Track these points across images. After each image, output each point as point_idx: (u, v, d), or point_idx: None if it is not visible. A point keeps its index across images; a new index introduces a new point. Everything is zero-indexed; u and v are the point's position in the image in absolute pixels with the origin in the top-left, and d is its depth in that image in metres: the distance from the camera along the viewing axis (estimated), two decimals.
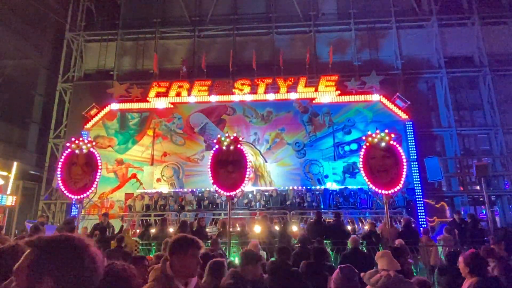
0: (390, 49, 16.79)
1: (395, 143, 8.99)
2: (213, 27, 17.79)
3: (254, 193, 12.68)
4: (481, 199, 14.42)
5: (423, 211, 12.97)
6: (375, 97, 14.22)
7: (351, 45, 16.85)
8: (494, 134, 15.55)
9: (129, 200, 12.39)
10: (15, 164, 14.00)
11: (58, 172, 9.15)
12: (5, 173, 13.61)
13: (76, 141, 9.14)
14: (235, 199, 10.85)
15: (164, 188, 13.91)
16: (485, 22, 16.71)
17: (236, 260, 7.70)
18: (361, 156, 8.98)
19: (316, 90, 14.34)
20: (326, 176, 13.77)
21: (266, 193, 12.50)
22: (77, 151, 9.05)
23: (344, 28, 17.33)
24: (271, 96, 14.43)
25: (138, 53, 17.90)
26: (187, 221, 9.68)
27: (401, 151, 9.02)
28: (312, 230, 8.77)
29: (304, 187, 13.20)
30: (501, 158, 15.15)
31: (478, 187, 14.67)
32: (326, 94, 14.29)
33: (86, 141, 9.25)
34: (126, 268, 1.57)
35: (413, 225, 9.66)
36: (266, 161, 14.18)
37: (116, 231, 9.86)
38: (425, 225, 12.45)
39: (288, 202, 12.08)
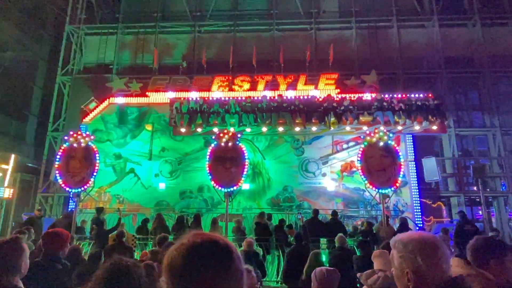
0: (390, 48, 16.75)
1: (393, 143, 9.03)
2: (214, 23, 17.73)
3: None
4: (478, 200, 14.48)
5: (419, 210, 13.02)
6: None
7: (351, 44, 16.82)
8: (492, 135, 15.59)
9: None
10: (12, 156, 13.99)
11: (56, 166, 9.16)
12: (3, 166, 13.60)
13: (75, 135, 9.15)
14: None
15: (162, 184, 13.93)
16: (486, 23, 16.70)
17: None
18: (359, 155, 9.02)
19: (315, 88, 14.32)
20: (324, 175, 13.81)
21: None
22: (75, 145, 9.07)
23: (345, 26, 17.30)
24: (270, 93, 14.40)
25: (138, 47, 17.84)
26: (184, 216, 9.73)
27: (399, 150, 9.07)
28: (308, 228, 8.80)
29: None
30: (499, 160, 15.20)
31: (475, 188, 14.73)
32: (325, 92, 14.25)
33: (84, 135, 9.26)
34: (132, 264, 1.52)
35: (409, 225, 9.70)
36: (264, 158, 14.17)
37: (109, 226, 9.80)
38: (421, 225, 12.51)
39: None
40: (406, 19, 17.09)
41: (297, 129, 12.56)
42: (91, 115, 14.78)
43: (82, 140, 9.10)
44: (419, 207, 13.07)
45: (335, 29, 17.42)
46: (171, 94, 14.57)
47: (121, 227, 9.22)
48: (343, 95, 13.28)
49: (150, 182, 14.11)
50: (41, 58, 19.26)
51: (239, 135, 9.32)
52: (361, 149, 9.04)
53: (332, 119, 12.35)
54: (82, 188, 9.07)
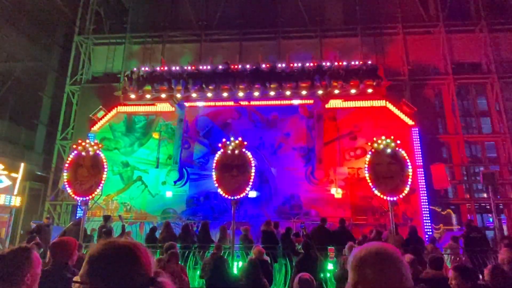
0: (396, 55, 16.74)
1: (400, 150, 8.96)
2: (220, 32, 17.91)
3: None
4: (488, 207, 14.25)
5: (429, 218, 12.84)
6: (381, 103, 14.15)
7: (357, 51, 16.83)
8: (502, 142, 15.39)
9: None
10: (22, 165, 14.14)
11: (65, 174, 9.25)
12: (12, 174, 13.75)
13: (83, 143, 9.25)
14: None
15: (169, 192, 13.94)
16: (493, 28, 16.61)
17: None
18: (367, 162, 8.96)
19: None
20: (331, 182, 13.70)
21: None
22: (83, 153, 9.15)
23: (351, 34, 17.34)
24: (276, 101, 14.42)
25: (146, 56, 18.06)
26: (189, 224, 9.72)
27: (406, 157, 8.98)
28: (316, 236, 8.72)
29: None
30: (509, 166, 14.98)
31: (485, 195, 14.50)
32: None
33: (92, 143, 9.34)
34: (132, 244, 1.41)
35: (418, 233, 9.55)
36: (271, 166, 14.15)
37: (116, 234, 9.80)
38: (430, 233, 12.32)
39: None
40: (412, 26, 17.07)
41: (241, 94, 13.17)
42: (99, 124, 14.94)
43: (90, 149, 9.18)
44: (428, 215, 12.89)
45: (340, 36, 17.47)
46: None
47: (126, 235, 9.25)
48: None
49: (157, 190, 14.14)
50: (50, 68, 19.60)
51: (245, 143, 9.30)
52: (369, 156, 8.98)
53: (273, 84, 12.90)
54: (90, 196, 9.13)
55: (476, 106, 16.66)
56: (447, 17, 16.86)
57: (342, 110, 14.34)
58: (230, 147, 9.07)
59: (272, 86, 13.02)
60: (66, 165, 9.31)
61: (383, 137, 8.95)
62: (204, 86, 13.16)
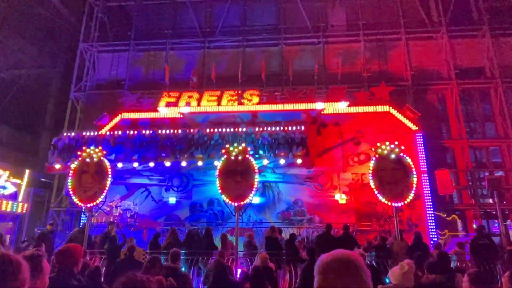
0: (399, 60, 16.75)
1: (404, 155, 8.93)
2: (223, 38, 18.03)
3: None
4: (494, 212, 14.11)
5: (433, 224, 12.74)
6: (384, 108, 14.14)
7: (360, 56, 16.86)
8: (506, 146, 15.30)
9: None
10: (27, 171, 14.21)
11: (69, 180, 9.29)
12: (17, 181, 13.83)
13: (87, 150, 9.29)
14: None
15: (173, 198, 13.94)
16: (495, 33, 16.60)
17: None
18: (371, 168, 8.93)
19: (325, 101, 14.30)
20: (335, 187, 13.65)
21: None
22: (88, 160, 9.19)
23: (353, 40, 17.40)
24: (279, 107, 14.43)
25: (149, 63, 18.20)
26: (192, 231, 9.70)
27: (410, 163, 8.95)
28: (320, 242, 8.68)
29: None
30: None
31: (490, 200, 14.38)
32: (335, 104, 14.23)
33: (97, 150, 9.39)
34: (145, 280, 1.62)
35: (423, 239, 9.47)
36: (274, 171, 14.11)
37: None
38: (435, 239, 12.22)
39: None
40: (414, 31, 17.10)
41: (167, 164, 12.17)
42: (104, 130, 14.97)
43: (94, 155, 9.23)
44: (433, 221, 12.79)
45: (343, 42, 17.52)
46: (186, 109, 14.59)
47: (129, 241, 9.23)
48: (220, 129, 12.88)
49: (161, 196, 14.15)
50: (55, 75, 19.79)
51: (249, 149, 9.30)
52: (373, 161, 8.95)
53: (199, 154, 12.08)
54: (94, 203, 9.15)
55: (480, 111, 16.59)
56: (449, 22, 16.88)
57: (345, 115, 14.31)
58: (234, 153, 9.08)
59: (198, 156, 12.08)
60: (71, 171, 9.36)
61: (387, 143, 8.93)
62: (126, 155, 12.26)
